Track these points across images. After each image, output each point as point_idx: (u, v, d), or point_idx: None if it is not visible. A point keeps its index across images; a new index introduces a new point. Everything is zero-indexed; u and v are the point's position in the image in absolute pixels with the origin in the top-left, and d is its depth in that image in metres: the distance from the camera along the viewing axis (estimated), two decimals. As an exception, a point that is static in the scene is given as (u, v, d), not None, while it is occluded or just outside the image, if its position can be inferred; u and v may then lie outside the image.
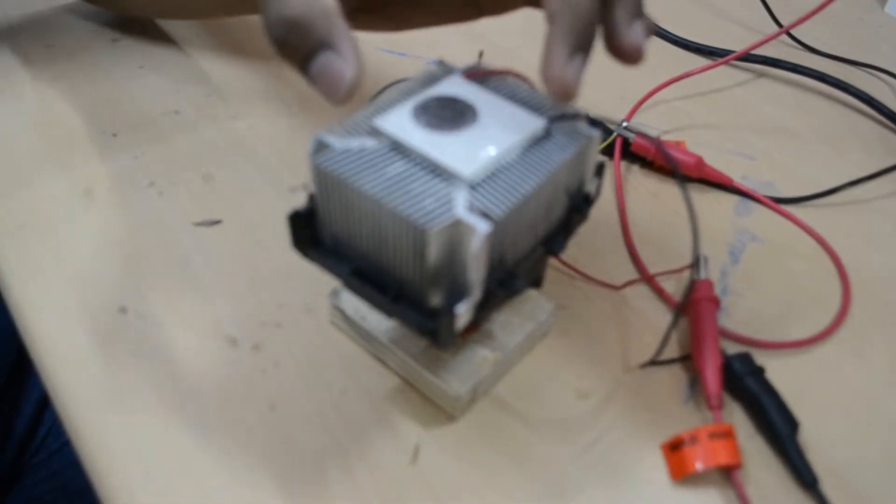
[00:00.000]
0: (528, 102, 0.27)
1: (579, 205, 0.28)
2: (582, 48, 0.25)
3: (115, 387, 0.31)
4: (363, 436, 0.30)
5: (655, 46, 0.57)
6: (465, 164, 0.24)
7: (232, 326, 0.34)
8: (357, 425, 0.31)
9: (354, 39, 0.25)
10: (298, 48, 0.25)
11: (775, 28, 0.58)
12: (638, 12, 0.26)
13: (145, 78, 0.49)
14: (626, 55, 0.26)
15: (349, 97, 0.25)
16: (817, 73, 0.53)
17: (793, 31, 0.56)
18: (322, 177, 0.25)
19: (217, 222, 0.39)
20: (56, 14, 0.55)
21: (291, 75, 0.50)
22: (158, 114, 0.46)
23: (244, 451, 0.30)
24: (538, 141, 0.26)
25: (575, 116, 0.27)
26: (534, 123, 0.26)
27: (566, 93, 0.25)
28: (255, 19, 0.55)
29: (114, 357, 0.32)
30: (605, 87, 0.51)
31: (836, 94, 0.53)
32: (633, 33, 0.26)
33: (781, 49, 0.57)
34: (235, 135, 0.45)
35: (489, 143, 0.25)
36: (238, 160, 0.43)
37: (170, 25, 0.54)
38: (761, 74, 0.54)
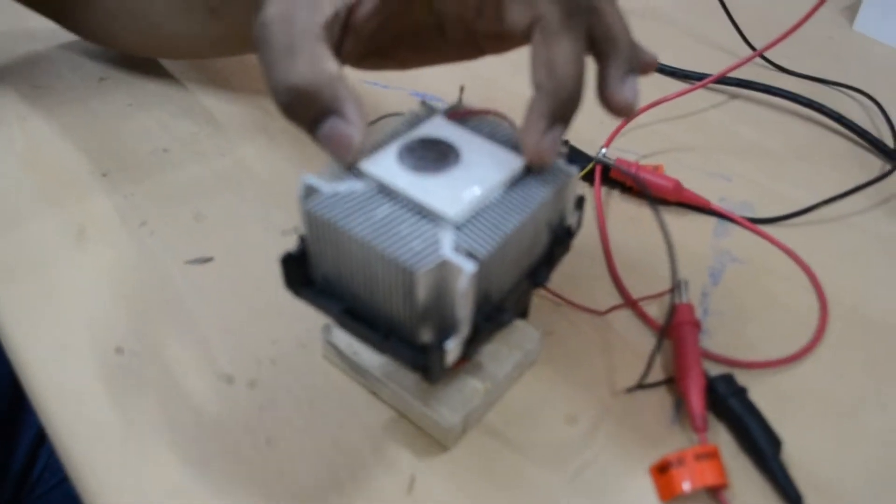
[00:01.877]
0: (508, 141, 0.28)
1: (561, 237, 0.29)
2: (562, 120, 0.26)
3: (114, 425, 0.32)
4: (359, 468, 0.31)
5: (632, 71, 0.58)
6: (450, 206, 0.25)
7: (227, 364, 0.35)
8: (353, 457, 0.31)
9: (359, 102, 0.26)
10: (305, 114, 0.26)
11: (748, 49, 0.60)
12: (631, 68, 0.27)
13: (134, 116, 0.50)
14: (617, 110, 0.27)
15: (357, 159, 0.26)
16: (789, 94, 0.54)
17: (766, 53, 0.58)
18: (312, 220, 0.26)
19: (209, 260, 0.40)
20: (42, 54, 0.56)
21: (277, 110, 0.51)
22: (147, 152, 0.47)
23: (242, 486, 0.30)
24: (519, 179, 0.27)
25: (554, 154, 0.28)
26: (514, 163, 0.27)
27: (541, 162, 0.26)
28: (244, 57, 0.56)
29: (112, 396, 0.33)
30: (583, 113, 0.52)
31: (809, 114, 0.54)
32: (625, 89, 0.27)
33: (755, 70, 0.58)
34: (224, 171, 0.45)
35: (472, 183, 0.26)
36: (227, 197, 0.44)
37: (155, 63, 0.55)
38: (735, 96, 0.56)
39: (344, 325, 0.27)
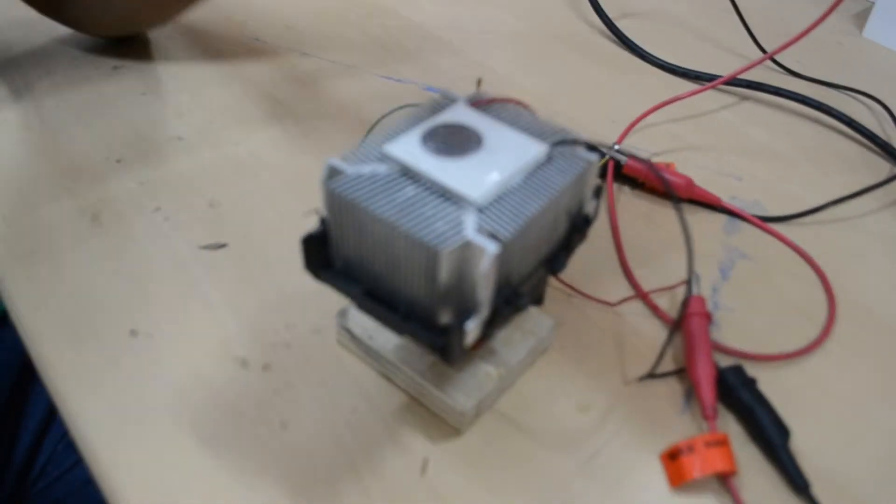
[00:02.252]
0: (530, 129, 0.29)
1: (579, 225, 0.29)
2: None
3: (130, 409, 0.32)
4: (373, 450, 0.31)
5: (645, 71, 0.59)
6: (474, 189, 0.25)
7: (242, 348, 0.35)
8: (367, 440, 0.32)
9: None
10: None
11: (758, 51, 0.61)
12: None
13: (147, 104, 0.50)
14: None
15: None
16: (800, 97, 0.55)
17: (776, 56, 0.58)
18: (335, 201, 0.26)
19: (223, 246, 0.40)
20: (56, 44, 0.56)
21: (290, 101, 0.51)
22: (162, 140, 0.47)
23: (259, 469, 0.30)
24: (541, 165, 0.27)
25: (575, 142, 0.28)
26: (536, 149, 0.28)
27: None
28: (264, 48, 0.56)
29: (127, 379, 0.33)
30: (595, 111, 0.53)
31: (819, 116, 0.55)
32: None
33: (765, 73, 0.59)
34: (237, 160, 0.46)
35: (495, 167, 0.26)
36: (241, 185, 0.44)
37: (169, 51, 0.55)
38: (746, 98, 0.56)
39: (364, 307, 0.28)
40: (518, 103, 0.30)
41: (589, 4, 0.64)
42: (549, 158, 0.28)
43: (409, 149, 0.27)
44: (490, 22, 0.64)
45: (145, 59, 0.54)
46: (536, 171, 0.27)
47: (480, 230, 0.24)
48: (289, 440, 0.31)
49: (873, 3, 0.68)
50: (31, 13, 0.56)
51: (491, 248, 0.24)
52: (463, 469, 0.31)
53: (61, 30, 0.57)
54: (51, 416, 0.57)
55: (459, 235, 0.24)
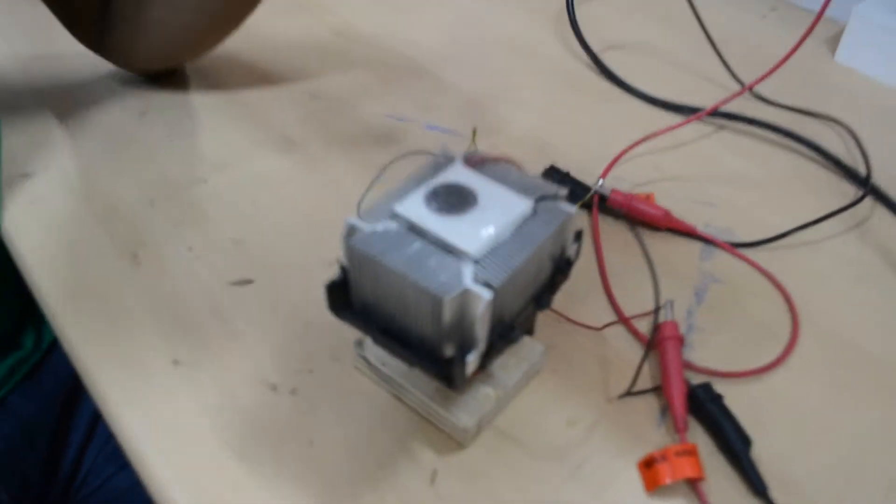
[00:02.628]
0: (517, 184, 0.34)
1: (562, 267, 0.34)
2: None
3: (177, 429, 0.37)
4: (388, 463, 0.36)
5: (629, 103, 0.63)
6: (470, 243, 0.30)
7: (271, 374, 0.40)
8: (382, 454, 0.36)
9: None
10: None
11: (732, 79, 0.65)
12: None
13: (174, 149, 0.55)
14: None
15: None
16: (772, 126, 0.59)
17: (747, 82, 0.63)
18: (354, 255, 0.31)
19: (250, 281, 0.45)
20: (83, 84, 0.61)
21: (303, 141, 0.56)
22: (188, 183, 0.52)
23: (290, 479, 0.35)
24: (527, 219, 0.32)
25: (556, 196, 0.33)
26: (523, 205, 0.32)
27: None
28: (276, 91, 0.61)
29: (171, 403, 0.38)
30: (583, 144, 0.58)
31: (790, 144, 0.59)
32: None
33: (740, 102, 0.63)
34: (258, 200, 0.51)
35: (488, 223, 0.31)
36: (261, 223, 0.49)
37: (190, 94, 0.60)
38: (723, 127, 0.61)
39: (379, 342, 0.32)
40: (507, 160, 0.35)
41: (575, 39, 0.69)
42: (534, 212, 0.32)
43: (414, 208, 0.32)
44: (482, 58, 0.69)
45: (168, 105, 0.59)
46: (523, 225, 0.32)
47: (476, 279, 0.29)
48: (315, 455, 0.36)
49: (844, 27, 0.72)
50: (46, 46, 0.60)
51: (485, 294, 0.29)
52: (467, 478, 0.36)
53: (81, 67, 0.62)
54: (91, 432, 0.62)
55: (459, 285, 0.29)
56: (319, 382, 0.39)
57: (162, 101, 0.60)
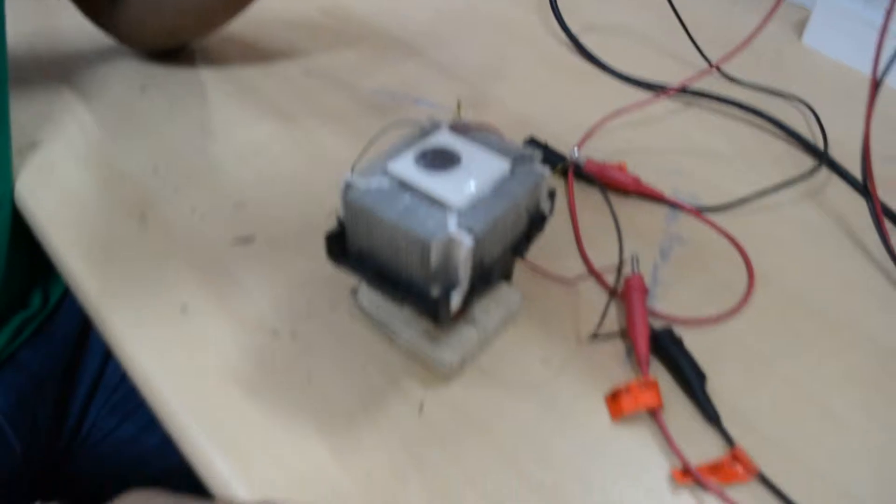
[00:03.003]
0: (497, 148, 0.38)
1: (537, 220, 0.38)
2: None
3: (188, 369, 0.41)
4: (381, 396, 0.40)
5: (601, 80, 0.68)
6: (455, 197, 0.34)
7: (273, 320, 0.44)
8: (376, 389, 0.40)
9: None
10: None
11: (702, 59, 0.69)
12: None
13: (175, 120, 0.59)
14: None
15: None
16: (737, 103, 0.63)
17: (716, 62, 0.67)
18: (351, 207, 0.35)
19: (251, 239, 0.49)
20: (84, 59, 0.64)
21: (297, 114, 0.60)
22: (190, 151, 0.56)
23: (292, 412, 0.39)
24: (505, 178, 0.36)
25: (532, 159, 0.37)
26: (502, 165, 0.36)
27: None
28: (271, 68, 0.65)
29: (182, 345, 0.42)
30: (561, 118, 0.61)
31: (753, 119, 0.64)
32: None
33: (710, 81, 0.67)
34: (257, 168, 0.54)
35: (471, 180, 0.35)
36: (261, 189, 0.53)
37: (189, 70, 0.64)
38: (691, 104, 0.65)
39: (374, 285, 0.37)
40: (488, 128, 0.39)
41: (556, 20, 0.72)
42: (511, 172, 0.37)
43: (405, 167, 0.36)
44: (468, 38, 0.73)
45: (168, 80, 0.63)
46: (502, 182, 0.36)
47: (460, 226, 0.33)
48: (314, 390, 0.40)
49: (811, 11, 0.76)
50: (45, 20, 0.64)
51: (467, 240, 0.33)
52: (451, 409, 0.40)
53: (80, 41, 0.65)
54: (95, 387, 0.66)
55: (445, 231, 0.33)
56: (317, 327, 0.43)
57: (161, 76, 0.63)
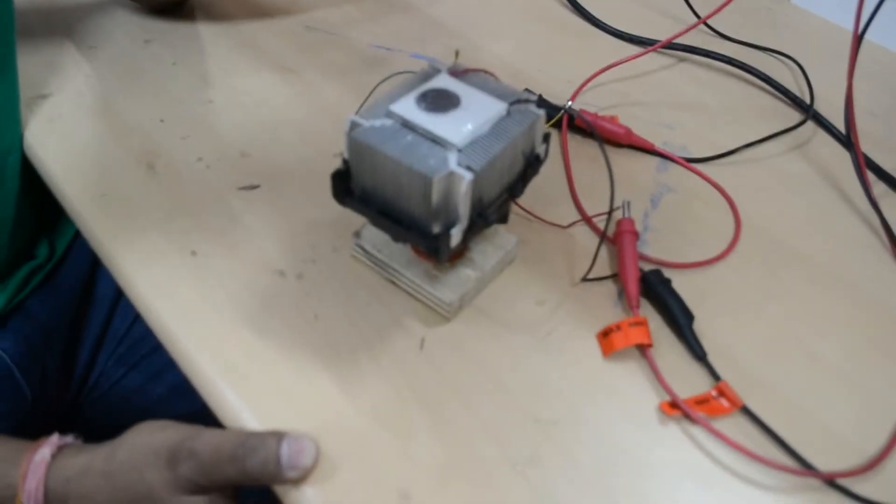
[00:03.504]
0: (494, 91, 0.39)
1: (532, 162, 0.40)
2: None
3: (199, 309, 0.43)
4: (383, 334, 0.42)
5: (595, 37, 0.69)
6: (455, 135, 0.36)
7: (279, 263, 0.45)
8: (378, 327, 0.42)
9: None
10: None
11: (694, 17, 0.71)
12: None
13: (179, 73, 0.60)
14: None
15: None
16: (726, 58, 0.65)
17: (710, 22, 0.69)
18: (356, 146, 0.36)
19: (256, 187, 0.50)
20: (88, 12, 0.65)
21: (299, 67, 0.61)
22: (195, 103, 0.57)
23: (300, 348, 0.41)
24: (502, 118, 0.38)
25: (528, 101, 0.39)
26: (499, 106, 0.38)
27: None
28: (273, 22, 0.66)
29: (194, 287, 0.44)
30: (554, 72, 0.63)
31: (742, 75, 0.65)
32: None
33: (701, 37, 0.69)
34: (261, 119, 0.56)
35: (469, 120, 0.37)
36: (264, 137, 0.54)
37: (191, 25, 0.65)
38: (682, 59, 0.67)
39: (377, 223, 0.38)
40: (486, 72, 0.40)
41: (552, -22, 0.73)
42: (508, 113, 0.38)
43: (407, 107, 0.37)
44: (466, -5, 0.74)
45: (171, 34, 0.64)
46: (499, 123, 0.38)
47: (460, 164, 0.35)
48: (320, 327, 0.42)
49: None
50: None
51: (467, 175, 0.34)
52: (450, 346, 0.42)
53: (90, 2, 0.66)
54: (102, 338, 0.67)
55: (445, 167, 0.35)
56: (322, 269, 0.45)
57: (165, 30, 0.64)
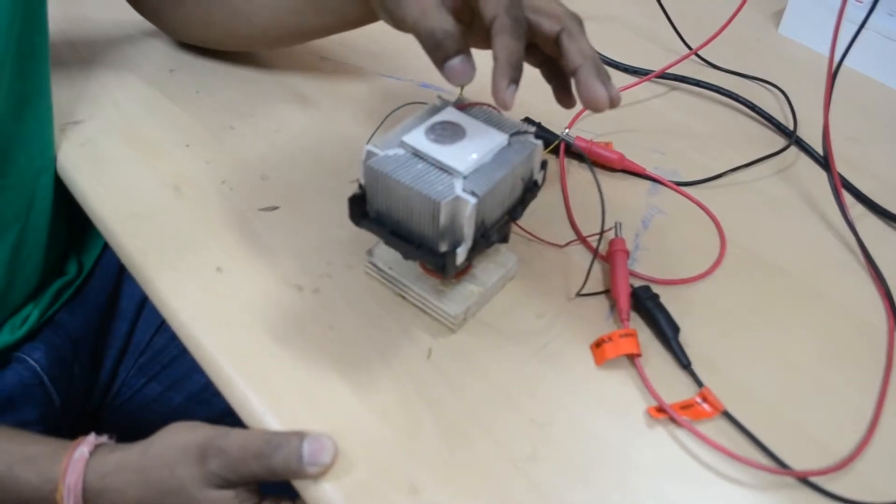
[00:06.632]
0: (496, 123, 0.43)
1: (531, 187, 0.44)
2: (515, 81, 0.40)
3: (223, 320, 0.47)
4: (394, 344, 0.46)
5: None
6: (460, 164, 0.40)
7: (297, 278, 0.49)
8: (389, 337, 0.46)
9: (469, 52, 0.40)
10: (443, 53, 0.39)
11: (685, 47, 0.75)
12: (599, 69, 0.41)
13: (202, 101, 0.64)
14: (602, 106, 0.42)
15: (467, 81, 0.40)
16: (715, 87, 0.69)
17: (701, 52, 0.73)
18: (372, 173, 0.40)
19: (276, 208, 0.54)
20: (113, 43, 0.69)
21: (314, 97, 0.65)
22: (217, 129, 0.61)
23: (315, 356, 0.45)
24: (503, 149, 0.42)
25: (526, 132, 0.43)
26: (500, 138, 0.42)
27: (506, 107, 0.39)
28: (289, 53, 0.70)
29: (217, 300, 0.48)
30: (553, 101, 0.67)
31: (730, 102, 0.69)
32: (610, 89, 0.42)
33: (691, 67, 0.73)
34: (279, 144, 0.60)
35: (474, 150, 0.41)
36: (283, 163, 0.58)
37: (215, 58, 0.69)
38: (673, 88, 0.71)
39: (390, 243, 0.42)
40: (489, 106, 0.44)
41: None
42: (509, 143, 0.42)
43: (418, 139, 0.41)
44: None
45: (195, 63, 0.68)
46: (501, 152, 0.42)
47: (465, 190, 0.39)
48: (335, 337, 0.46)
49: (787, 1, 0.81)
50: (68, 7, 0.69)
51: (472, 200, 0.38)
52: (456, 355, 0.46)
53: (107, 26, 0.71)
54: (124, 350, 0.71)
55: (452, 193, 0.39)
56: (337, 284, 0.49)
57: (189, 60, 0.68)
